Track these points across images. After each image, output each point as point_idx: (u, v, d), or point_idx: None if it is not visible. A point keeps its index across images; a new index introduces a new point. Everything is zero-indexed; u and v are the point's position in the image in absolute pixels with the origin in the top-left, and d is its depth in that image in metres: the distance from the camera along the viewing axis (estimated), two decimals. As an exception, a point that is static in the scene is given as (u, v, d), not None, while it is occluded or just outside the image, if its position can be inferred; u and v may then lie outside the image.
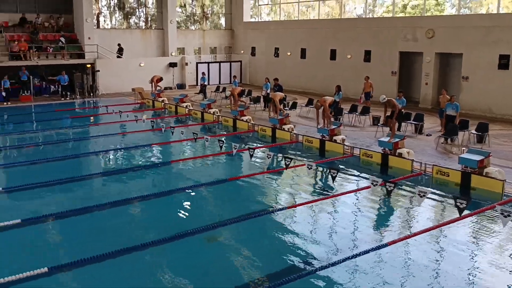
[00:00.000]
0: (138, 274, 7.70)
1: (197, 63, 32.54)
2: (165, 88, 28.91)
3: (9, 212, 10.00)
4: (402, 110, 17.69)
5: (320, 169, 13.14)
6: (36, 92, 26.66)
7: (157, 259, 8.20)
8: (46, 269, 7.52)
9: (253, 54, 34.07)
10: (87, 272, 7.70)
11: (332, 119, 17.52)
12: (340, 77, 26.28)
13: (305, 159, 14.21)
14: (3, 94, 24.67)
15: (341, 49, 27.40)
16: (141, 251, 8.30)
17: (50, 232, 9.35)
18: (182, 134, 16.29)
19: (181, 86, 31.32)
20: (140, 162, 14.11)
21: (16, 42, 26.57)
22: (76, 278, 7.53)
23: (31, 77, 25.81)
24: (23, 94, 25.67)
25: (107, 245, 8.43)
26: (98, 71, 27.82)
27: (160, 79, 26.28)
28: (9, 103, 24.52)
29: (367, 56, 25.93)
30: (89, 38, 28.57)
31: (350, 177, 12.87)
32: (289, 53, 30.88)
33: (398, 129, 17.49)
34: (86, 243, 8.76)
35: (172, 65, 30.75)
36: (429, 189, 10.23)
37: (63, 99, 26.11)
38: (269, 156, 12.95)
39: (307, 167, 12.39)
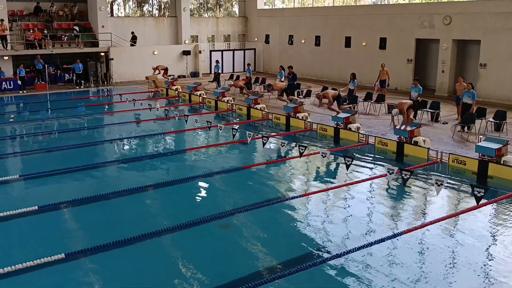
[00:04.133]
0: (154, 260, 7.73)
1: (210, 51, 32.45)
2: (179, 77, 28.90)
3: (26, 199, 10.17)
4: (418, 98, 17.52)
5: (335, 157, 13.05)
6: (51, 80, 26.83)
7: (171, 246, 8.24)
8: (63, 255, 7.62)
9: (267, 41, 33.84)
10: (103, 258, 7.77)
11: (347, 107, 17.41)
12: (355, 64, 26.02)
13: (319, 147, 14.12)
14: (19, 82, 24.90)
15: (356, 37, 27.07)
16: (157, 238, 8.35)
17: (67, 218, 9.43)
18: (196, 122, 16.27)
19: (194, 74, 31.28)
20: (154, 150, 14.15)
21: (31, 31, 26.73)
22: (92, 264, 7.59)
23: (46, 65, 25.99)
24: (39, 82, 25.88)
25: (123, 232, 8.52)
26: (112, 59, 27.88)
27: (166, 69, 26.28)
28: (25, 91, 24.75)
29: (383, 43, 25.58)
30: (102, 26, 28.61)
31: (365, 165, 12.76)
32: (303, 41, 30.61)
33: (414, 117, 17.32)
34: (101, 230, 8.84)
35: (186, 53, 30.69)
36: (446, 177, 10.10)
37: (77, 87, 26.27)
38: (283, 145, 12.88)
39: (322, 155, 12.30)
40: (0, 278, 7.02)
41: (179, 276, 7.21)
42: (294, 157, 12.97)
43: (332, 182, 11.44)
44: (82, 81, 26.56)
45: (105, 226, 9.04)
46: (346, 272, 7.31)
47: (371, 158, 13.31)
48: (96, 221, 9.29)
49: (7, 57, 25.63)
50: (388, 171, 11.06)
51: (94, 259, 7.70)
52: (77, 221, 9.30)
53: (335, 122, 15.82)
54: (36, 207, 9.56)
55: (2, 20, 25.06)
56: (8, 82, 25.16)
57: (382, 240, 8.16)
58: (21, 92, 24.68)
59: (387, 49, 25.30)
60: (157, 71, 26.16)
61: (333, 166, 12.65)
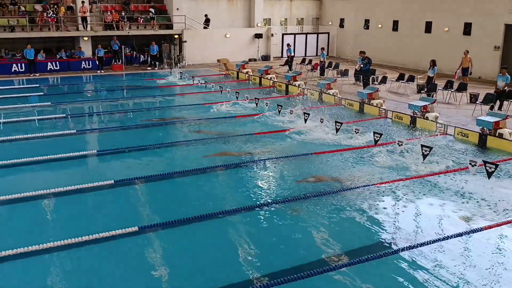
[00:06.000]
0: (219, 238, 7.82)
1: (283, 34, 32.03)
2: (250, 60, 28.82)
3: (103, 174, 10.63)
4: (506, 88, 16.27)
5: (411, 146, 12.36)
6: (127, 61, 27.67)
7: (235, 227, 8.18)
8: (136, 228, 7.86)
9: (341, 25, 32.89)
10: (173, 233, 7.97)
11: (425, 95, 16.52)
12: (435, 51, 24.61)
13: (394, 135, 13.47)
14: (96, 62, 25.92)
15: (438, 21, 25.54)
16: (223, 218, 8.41)
17: (140, 193, 9.75)
18: (267, 106, 16.10)
19: (265, 58, 31.06)
20: (223, 133, 14.10)
21: (109, 13, 27.66)
22: (162, 239, 7.78)
23: (122, 46, 26.82)
24: (115, 63, 26.80)
25: (190, 209, 8.70)
26: (185, 41, 28.26)
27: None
28: (102, 71, 25.72)
29: (467, 29, 23.94)
30: (177, 9, 28.98)
31: (444, 156, 11.96)
32: (380, 25, 29.40)
33: (499, 108, 16.15)
34: (171, 206, 9.07)
35: (258, 36, 30.47)
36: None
37: (149, 68, 26.88)
38: (356, 131, 12.39)
39: (398, 143, 11.73)
40: (80, 246, 7.40)
41: (245, 256, 7.18)
42: (369, 146, 12.44)
43: (407, 173, 10.81)
44: (156, 63, 27.17)
45: (174, 203, 9.26)
46: (416, 264, 7.01)
47: (450, 150, 12.46)
48: (166, 198, 9.55)
49: (86, 38, 26.70)
50: (470, 164, 10.34)
51: (164, 234, 7.92)
52: (149, 196, 9.61)
53: (412, 110, 15.04)
54: (112, 181, 9.97)
55: (83, 2, 26.06)
56: (87, 61, 26.24)
57: (459, 234, 7.79)
58: (98, 71, 25.66)
59: (472, 35, 23.66)
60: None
61: (409, 155, 11.96)
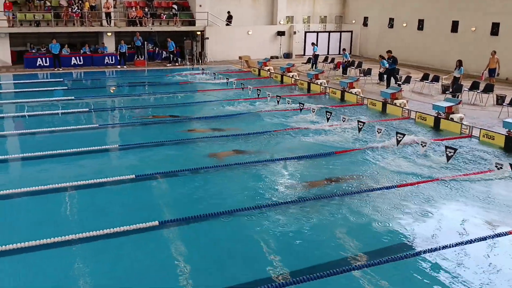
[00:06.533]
0: (249, 233, 7.78)
1: (305, 32, 31.83)
2: (272, 57, 28.72)
3: (125, 168, 10.68)
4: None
5: (435, 147, 12.13)
6: (149, 57, 27.85)
7: (255, 225, 8.14)
8: (156, 222, 7.88)
9: (365, 24, 32.54)
10: (192, 228, 7.97)
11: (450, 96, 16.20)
12: (461, 51, 24.17)
13: (418, 136, 13.24)
14: (118, 58, 26.15)
15: (465, 21, 25.05)
16: (242, 215, 8.38)
17: (161, 188, 9.79)
18: (288, 103, 16.01)
19: (287, 56, 30.91)
20: (243, 130, 14.04)
21: (133, 9, 27.86)
22: (182, 234, 7.79)
23: (145, 42, 27.00)
24: (138, 58, 27.00)
25: (210, 205, 8.70)
26: (207, 38, 28.30)
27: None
28: (125, 66, 25.91)
29: (495, 28, 23.42)
30: (200, 5, 29.05)
31: (469, 158, 11.70)
32: (404, 24, 28.99)
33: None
34: (191, 202, 9.06)
35: (280, 33, 30.32)
36: None
37: (169, 65, 26.99)
38: (379, 131, 12.22)
39: (421, 144, 11.53)
40: (101, 239, 7.45)
41: (265, 254, 7.15)
42: (391, 145, 12.24)
43: (430, 174, 10.60)
44: (175, 58, 27.23)
45: (195, 199, 9.23)
46: (437, 268, 6.85)
47: (475, 152, 12.19)
48: (187, 193, 9.51)
49: (110, 34, 26.96)
50: (496, 166, 10.10)
51: (184, 229, 7.93)
52: (170, 191, 9.66)
53: (436, 111, 14.77)
54: (133, 176, 10.02)
55: (107, -3, 26.39)
56: (110, 57, 26.49)
57: (482, 238, 7.62)
58: (119, 67, 25.87)
59: (500, 35, 23.13)
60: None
61: (433, 157, 11.74)
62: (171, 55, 27.25)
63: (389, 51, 21.00)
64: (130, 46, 27.18)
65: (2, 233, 7.66)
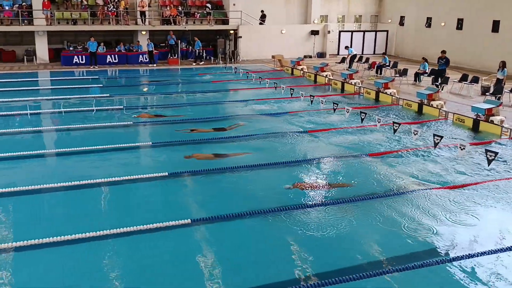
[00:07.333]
0: (274, 233, 7.72)
1: (340, 32, 31.41)
2: (305, 57, 28.45)
3: (157, 165, 10.74)
4: None
5: (474, 150, 11.69)
6: (183, 55, 28.00)
7: (285, 225, 8.01)
8: (189, 220, 7.89)
9: (401, 23, 31.86)
10: (222, 227, 7.96)
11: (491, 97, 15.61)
12: (503, 52, 23.24)
13: (455, 138, 12.82)
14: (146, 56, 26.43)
15: (507, 20, 24.13)
16: (270, 215, 8.29)
17: (193, 187, 9.81)
18: (322, 103, 15.77)
19: (321, 55, 30.56)
20: (277, 129, 13.90)
21: (168, 7, 28.08)
22: (213, 232, 7.75)
23: (178, 41, 27.16)
24: (171, 57, 27.19)
25: (239, 204, 8.65)
26: (240, 37, 28.25)
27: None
28: (155, 65, 26.04)
29: (538, 28, 22.54)
30: (234, 4, 29.00)
31: (508, 162, 11.24)
32: (443, 23, 28.19)
33: None
34: (222, 200, 9.05)
35: (314, 33, 30.00)
36: None
37: (194, 64, 27.04)
38: (415, 133, 11.86)
39: (460, 147, 11.10)
40: (134, 234, 7.53)
41: (296, 254, 7.08)
42: (428, 147, 11.87)
43: (469, 178, 10.20)
44: (206, 56, 27.30)
45: (225, 198, 9.24)
46: (471, 276, 6.60)
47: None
48: (218, 192, 9.53)
49: (144, 32, 27.21)
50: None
51: (214, 228, 7.91)
52: (201, 190, 9.64)
53: (475, 114, 14.26)
54: (166, 173, 10.05)
55: (142, -4, 26.67)
56: (144, 55, 26.74)
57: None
58: (150, 65, 26.04)
59: (543, 35, 22.24)
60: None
61: (471, 160, 11.31)
62: (197, 54, 27.36)
63: (443, 51, 20.53)
64: (164, 44, 27.31)
65: (40, 226, 7.82)
